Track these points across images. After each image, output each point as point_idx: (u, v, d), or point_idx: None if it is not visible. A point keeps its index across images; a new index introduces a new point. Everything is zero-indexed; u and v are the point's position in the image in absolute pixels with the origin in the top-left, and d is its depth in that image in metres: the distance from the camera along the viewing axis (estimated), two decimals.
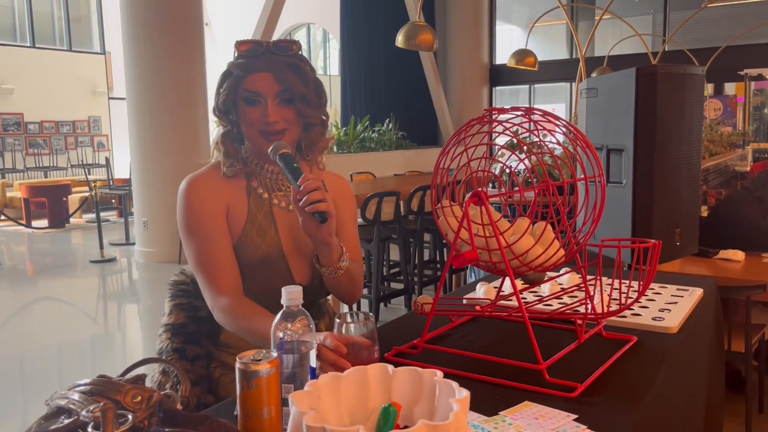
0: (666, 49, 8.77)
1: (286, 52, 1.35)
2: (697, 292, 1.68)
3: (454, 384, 0.72)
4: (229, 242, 1.38)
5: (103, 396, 0.74)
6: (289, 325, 0.93)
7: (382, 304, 4.65)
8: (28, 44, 13.80)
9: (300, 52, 1.38)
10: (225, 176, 1.40)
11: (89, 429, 0.69)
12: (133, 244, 7.50)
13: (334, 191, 1.50)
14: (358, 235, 1.54)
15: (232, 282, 1.35)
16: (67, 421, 0.72)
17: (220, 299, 1.33)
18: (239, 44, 1.36)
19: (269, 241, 1.40)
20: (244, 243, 1.38)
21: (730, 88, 10.17)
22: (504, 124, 1.21)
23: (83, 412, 0.71)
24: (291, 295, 0.94)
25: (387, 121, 10.20)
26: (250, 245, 1.38)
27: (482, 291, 1.62)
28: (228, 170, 1.40)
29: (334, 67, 11.58)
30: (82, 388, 0.76)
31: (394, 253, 5.27)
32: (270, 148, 1.30)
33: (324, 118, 1.43)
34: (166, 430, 0.72)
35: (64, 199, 10.36)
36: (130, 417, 0.70)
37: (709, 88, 9.91)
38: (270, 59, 1.33)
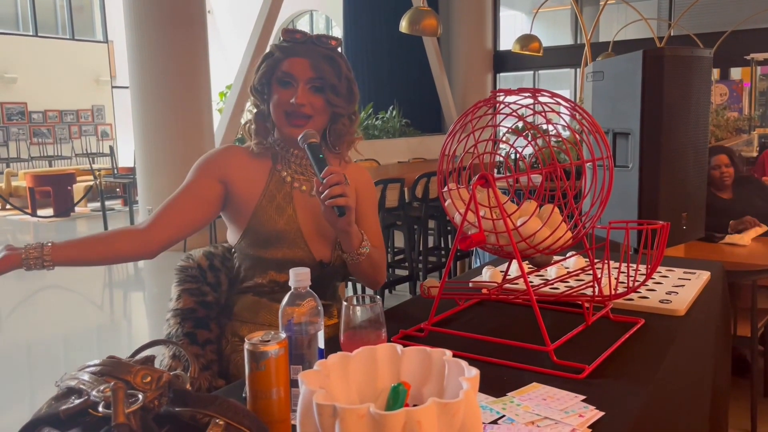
0: (672, 34, 8.71)
1: (325, 44, 1.43)
2: (704, 276, 1.68)
3: (464, 363, 0.72)
4: (199, 209, 1.44)
5: (113, 376, 0.74)
6: (297, 307, 0.93)
7: (387, 291, 4.65)
8: (31, 33, 13.78)
9: (339, 49, 1.46)
10: (252, 153, 1.47)
11: (100, 408, 0.70)
12: None
13: (356, 182, 1.55)
14: (379, 222, 1.61)
15: (160, 228, 1.41)
16: (77, 401, 0.73)
17: (140, 225, 1.41)
18: (286, 31, 1.44)
19: (287, 218, 1.44)
20: (259, 216, 1.44)
21: (736, 73, 10.10)
22: (511, 105, 1.21)
23: (93, 392, 0.72)
24: (299, 276, 0.94)
25: (390, 108, 10.17)
26: (267, 220, 1.43)
27: (488, 275, 1.62)
28: (256, 147, 1.47)
29: None
30: (92, 368, 0.76)
31: (399, 240, 5.26)
32: (300, 136, 1.35)
33: (353, 114, 1.49)
34: (176, 409, 0.72)
35: (69, 188, 10.38)
36: (140, 397, 0.70)
37: (715, 73, 9.84)
38: (310, 48, 1.41)
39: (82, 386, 0.74)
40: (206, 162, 1.47)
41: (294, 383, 0.86)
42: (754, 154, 5.89)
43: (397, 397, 0.70)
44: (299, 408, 0.69)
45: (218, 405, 0.73)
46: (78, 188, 10.29)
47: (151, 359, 0.83)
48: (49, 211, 9.91)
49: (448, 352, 0.76)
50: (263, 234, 1.44)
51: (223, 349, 1.46)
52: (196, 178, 1.46)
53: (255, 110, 1.48)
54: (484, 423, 0.90)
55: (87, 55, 14.54)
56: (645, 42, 9.20)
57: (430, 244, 5.31)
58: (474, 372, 0.70)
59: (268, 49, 1.47)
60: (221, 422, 0.72)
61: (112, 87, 15.06)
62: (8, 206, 9.80)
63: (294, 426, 0.81)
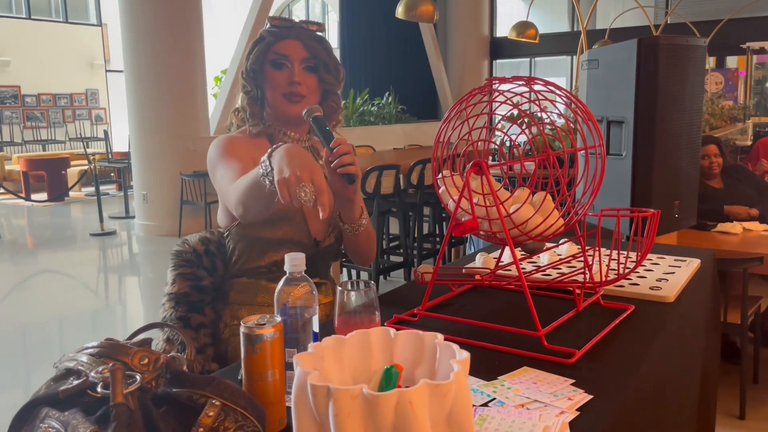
0: (668, 22, 8.69)
1: (312, 28, 1.50)
2: (695, 263, 1.70)
3: (455, 346, 0.73)
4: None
5: (111, 358, 0.75)
6: (292, 291, 0.95)
7: (381, 277, 4.68)
8: (24, 16, 13.65)
9: (322, 34, 1.53)
10: (250, 135, 1.50)
11: (98, 389, 0.71)
12: (133, 217, 7.51)
13: None
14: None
15: None
16: (76, 382, 0.74)
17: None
18: (273, 18, 1.50)
19: None
20: None
21: (732, 61, 10.10)
22: (505, 93, 1.22)
23: (92, 373, 0.73)
24: (294, 261, 0.96)
25: (386, 94, 10.14)
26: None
27: (481, 261, 1.63)
28: (253, 128, 1.50)
29: (333, 40, 11.49)
30: (90, 350, 0.78)
31: (394, 227, 5.28)
32: (304, 111, 1.36)
33: (340, 92, 1.56)
34: (174, 390, 0.74)
35: (63, 172, 10.34)
36: (138, 378, 0.72)
37: (710, 62, 9.84)
38: (300, 31, 1.48)
39: (80, 367, 0.75)
40: (223, 145, 1.47)
41: (289, 366, 0.88)
42: (749, 143, 5.90)
43: (389, 379, 0.72)
44: (294, 389, 0.71)
45: (215, 386, 0.75)
46: (72, 173, 10.25)
47: (148, 342, 0.85)
48: (43, 196, 9.88)
49: (440, 336, 0.77)
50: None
51: (220, 333, 1.48)
52: (228, 159, 1.44)
53: (247, 96, 1.50)
54: (474, 405, 0.91)
55: (81, 39, 14.42)
56: (641, 30, 9.17)
57: (425, 230, 5.33)
58: (465, 355, 0.71)
59: (258, 36, 1.50)
60: (218, 403, 0.73)
61: (106, 71, 14.96)
62: (2, 190, 9.76)
63: (289, 407, 0.82)
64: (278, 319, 0.88)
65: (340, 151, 1.29)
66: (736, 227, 3.01)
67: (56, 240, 7.22)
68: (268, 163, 1.15)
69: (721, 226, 3.03)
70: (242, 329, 0.85)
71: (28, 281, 5.62)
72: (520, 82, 1.21)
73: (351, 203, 1.40)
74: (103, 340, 0.80)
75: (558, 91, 1.22)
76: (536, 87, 1.20)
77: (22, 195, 9.48)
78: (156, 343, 1.44)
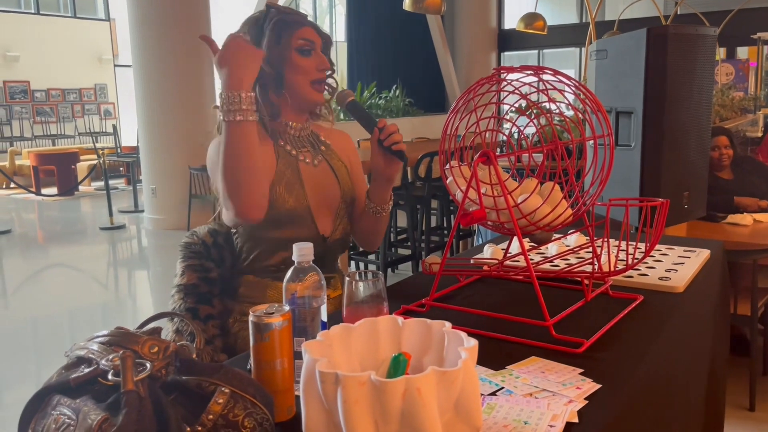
0: (678, 12, 8.61)
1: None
2: (704, 254, 1.69)
3: (463, 334, 0.74)
4: None
5: (121, 346, 0.76)
6: (301, 281, 0.95)
7: (389, 270, 4.68)
8: (32, 11, 13.69)
9: None
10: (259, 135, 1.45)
11: (109, 377, 0.72)
12: (142, 211, 7.54)
13: (346, 150, 1.61)
14: None
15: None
16: (87, 370, 0.75)
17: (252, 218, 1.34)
18: (274, 6, 1.47)
19: (296, 195, 1.45)
20: (272, 198, 1.41)
21: (742, 52, 10.01)
22: (513, 83, 1.21)
23: (103, 361, 0.74)
24: (302, 251, 0.96)
25: (394, 87, 10.12)
26: (277, 200, 1.42)
27: (489, 252, 1.63)
28: (270, 124, 1.47)
29: (341, 33, 11.46)
30: (100, 339, 0.78)
31: (402, 220, 5.28)
32: (335, 96, 1.40)
33: None
34: (183, 378, 0.75)
35: (73, 167, 10.40)
36: (148, 365, 0.72)
37: (721, 53, 9.75)
38: (303, 17, 1.47)
39: (91, 356, 0.76)
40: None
41: (298, 355, 0.88)
42: (759, 134, 5.85)
43: (397, 367, 0.72)
44: (302, 376, 0.71)
45: (224, 374, 0.75)
46: (81, 167, 10.31)
47: (157, 331, 0.85)
48: (53, 190, 9.94)
49: (448, 324, 0.78)
50: (273, 215, 1.41)
51: (230, 326, 1.48)
52: None
53: (257, 81, 1.41)
54: (483, 395, 0.92)
55: (89, 34, 14.45)
56: (651, 20, 9.11)
57: (433, 223, 5.33)
58: (472, 342, 0.72)
59: (274, 24, 1.43)
60: (227, 390, 0.74)
61: (115, 65, 14.99)
62: (12, 185, 9.82)
63: (298, 396, 0.83)
64: (287, 308, 0.89)
65: (390, 129, 1.34)
66: (746, 219, 2.99)
67: (66, 234, 7.27)
68: (223, 95, 1.23)
69: (731, 218, 3.01)
70: (251, 318, 0.86)
71: (38, 275, 5.66)
72: (529, 72, 1.21)
73: (390, 182, 1.45)
74: (114, 329, 0.81)
75: (567, 81, 1.21)
76: (545, 76, 1.20)
77: (33, 189, 9.54)
78: (165, 335, 1.45)
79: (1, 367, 3.55)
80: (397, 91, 10.05)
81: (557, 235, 1.62)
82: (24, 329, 4.17)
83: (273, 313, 0.86)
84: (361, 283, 1.11)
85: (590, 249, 1.35)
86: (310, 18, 1.54)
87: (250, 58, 1.29)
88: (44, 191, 9.71)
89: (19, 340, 3.97)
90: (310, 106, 1.49)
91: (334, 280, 1.54)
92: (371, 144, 1.38)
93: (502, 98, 1.28)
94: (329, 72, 1.49)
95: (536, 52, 12.24)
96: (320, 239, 1.47)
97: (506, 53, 12.11)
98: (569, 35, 11.12)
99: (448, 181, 1.32)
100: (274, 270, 1.46)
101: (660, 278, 1.46)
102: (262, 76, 1.41)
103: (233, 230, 1.51)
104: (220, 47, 1.31)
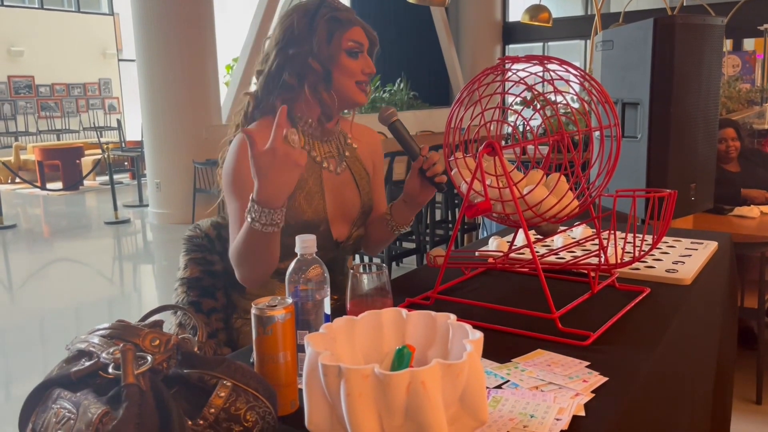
0: (684, 4, 8.55)
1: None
2: (712, 246, 1.67)
3: (468, 326, 0.72)
4: None
5: (122, 339, 0.75)
6: (304, 274, 0.94)
7: (394, 263, 4.67)
8: (37, 6, 13.70)
9: None
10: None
11: (110, 370, 0.71)
12: (147, 205, 7.56)
13: (370, 150, 1.57)
14: None
15: None
16: (88, 363, 0.74)
17: None
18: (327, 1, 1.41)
19: (315, 206, 1.40)
20: (290, 207, 1.35)
21: (749, 44, 9.93)
22: (519, 74, 1.20)
23: (103, 354, 0.73)
24: (305, 243, 0.95)
25: (398, 80, 10.09)
26: (296, 209, 1.38)
27: (495, 245, 1.62)
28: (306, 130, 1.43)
29: None
30: (101, 332, 0.78)
31: None
32: (379, 113, 1.39)
33: None
34: (185, 371, 0.74)
35: (78, 161, 10.42)
36: (149, 358, 0.71)
37: (727, 44, 9.67)
38: (356, 16, 1.43)
39: (92, 349, 0.75)
40: (238, 181, 1.33)
41: (301, 348, 0.87)
42: (766, 127, 5.81)
43: (402, 359, 0.71)
44: (305, 369, 0.70)
45: (226, 367, 0.74)
46: (86, 162, 10.33)
47: (159, 324, 0.85)
48: (58, 185, 9.97)
49: (453, 316, 0.76)
50: (289, 227, 1.32)
51: (233, 321, 1.47)
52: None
53: (302, 78, 1.37)
54: (488, 388, 0.91)
55: (93, 28, 14.46)
56: (657, 12, 9.02)
57: (438, 217, 5.31)
58: (478, 335, 0.70)
59: (327, 20, 1.38)
60: (229, 384, 0.73)
61: (119, 60, 15.01)
62: (18, 180, 9.86)
63: (301, 390, 0.82)
64: (289, 300, 0.88)
65: (433, 158, 1.34)
66: (753, 211, 2.97)
67: (71, 228, 7.28)
68: (254, 206, 1.14)
69: (738, 210, 2.99)
70: (253, 311, 0.85)
71: (44, 269, 5.68)
72: (534, 62, 1.19)
73: (420, 207, 1.45)
74: (115, 321, 0.80)
75: (573, 71, 1.19)
76: (551, 66, 1.18)
77: (38, 184, 9.56)
78: (168, 328, 1.44)
79: (8, 361, 3.56)
80: (402, 85, 10.02)
81: (563, 227, 1.61)
82: (30, 323, 4.18)
83: (276, 305, 0.85)
84: (365, 276, 1.10)
85: (596, 241, 1.33)
86: None
87: (293, 173, 1.13)
88: (49, 186, 9.73)
89: (25, 333, 3.98)
90: (353, 107, 1.45)
91: (344, 283, 1.49)
92: (411, 168, 1.38)
93: (507, 89, 1.27)
94: (372, 75, 1.45)
95: (541, 44, 12.18)
96: (333, 244, 1.44)
97: (511, 46, 12.05)
98: (575, 27, 11.06)
99: (452, 173, 1.31)
100: (283, 273, 1.43)
101: (667, 270, 1.44)
102: (311, 75, 1.37)
103: None
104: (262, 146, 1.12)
